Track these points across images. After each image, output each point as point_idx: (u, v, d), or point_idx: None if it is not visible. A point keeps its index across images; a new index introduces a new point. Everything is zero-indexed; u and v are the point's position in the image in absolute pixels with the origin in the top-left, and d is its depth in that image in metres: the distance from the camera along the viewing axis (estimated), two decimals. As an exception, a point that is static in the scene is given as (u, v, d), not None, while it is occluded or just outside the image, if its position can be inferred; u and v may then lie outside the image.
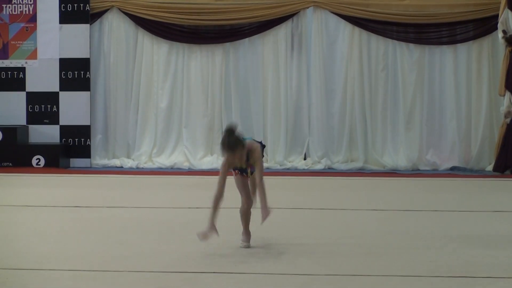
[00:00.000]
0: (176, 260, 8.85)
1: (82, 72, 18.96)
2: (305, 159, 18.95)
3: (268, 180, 16.52)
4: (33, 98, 19.00)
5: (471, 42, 18.63)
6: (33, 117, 19.06)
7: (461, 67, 18.68)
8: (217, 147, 18.87)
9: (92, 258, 9.07)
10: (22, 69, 19.01)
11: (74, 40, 18.95)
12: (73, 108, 18.97)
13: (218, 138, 18.89)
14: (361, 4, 18.80)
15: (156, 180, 17.06)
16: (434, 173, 18.14)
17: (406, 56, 18.78)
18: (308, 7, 18.81)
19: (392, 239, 10.32)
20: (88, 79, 18.99)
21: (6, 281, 7.98)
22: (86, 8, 18.90)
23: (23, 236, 10.53)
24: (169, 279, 7.97)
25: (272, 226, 11.23)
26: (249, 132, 18.87)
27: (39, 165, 18.48)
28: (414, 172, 18.27)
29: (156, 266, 8.44)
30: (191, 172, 18.18)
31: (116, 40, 19.23)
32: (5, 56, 19.03)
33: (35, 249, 9.67)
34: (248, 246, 9.57)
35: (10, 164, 18.43)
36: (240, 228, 9.75)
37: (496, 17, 17.60)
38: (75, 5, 18.88)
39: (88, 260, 8.94)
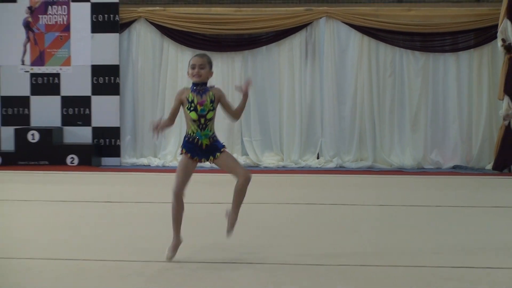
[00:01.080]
0: (199, 251, 8.95)
1: (112, 78, 19.04)
2: (318, 158, 19.00)
3: (284, 178, 16.64)
4: (67, 102, 19.09)
5: (472, 50, 18.64)
6: (68, 119, 19.15)
7: (463, 73, 18.70)
8: (237, 147, 19.04)
9: (121, 249, 9.15)
10: (57, 75, 19.10)
11: (105, 48, 19.04)
12: (104, 111, 19.07)
13: (238, 138, 19.04)
14: (371, 15, 18.82)
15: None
16: (438, 172, 18.15)
17: (412, 63, 18.80)
18: (321, 18, 18.86)
19: (398, 233, 10.36)
20: (118, 84, 19.07)
21: (42, 271, 8.05)
22: (116, 18, 18.98)
23: (57, 229, 10.60)
24: (193, 269, 8.02)
25: (287, 220, 11.31)
26: (266, 133, 19.02)
27: (73, 163, 18.57)
28: (419, 171, 18.30)
29: (181, 256, 8.48)
30: (212, 170, 18.16)
31: (143, 48, 19.33)
32: (42, 63, 19.13)
33: (68, 240, 9.74)
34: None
35: (47, 163, 18.54)
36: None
37: (495, 26, 17.61)
38: (106, 15, 18.97)
39: (117, 251, 9.02)
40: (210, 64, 8.53)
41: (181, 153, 8.49)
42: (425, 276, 7.86)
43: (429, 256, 8.80)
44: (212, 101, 8.38)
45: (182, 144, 8.51)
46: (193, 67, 8.38)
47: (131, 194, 14.19)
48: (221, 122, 18.86)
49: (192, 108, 8.31)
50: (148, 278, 7.74)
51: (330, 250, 9.19)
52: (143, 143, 19.41)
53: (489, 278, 7.75)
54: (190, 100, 8.31)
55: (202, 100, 8.32)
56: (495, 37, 17.63)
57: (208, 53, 18.56)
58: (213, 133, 8.49)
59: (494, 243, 9.66)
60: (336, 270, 8.11)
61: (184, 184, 8.54)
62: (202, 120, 8.35)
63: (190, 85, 8.47)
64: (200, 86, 8.39)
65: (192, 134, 8.39)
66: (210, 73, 8.51)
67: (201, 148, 8.41)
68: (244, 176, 8.42)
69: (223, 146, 8.55)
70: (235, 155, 18.76)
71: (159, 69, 19.31)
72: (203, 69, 8.38)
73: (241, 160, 18.72)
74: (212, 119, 8.44)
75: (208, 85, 8.52)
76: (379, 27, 18.77)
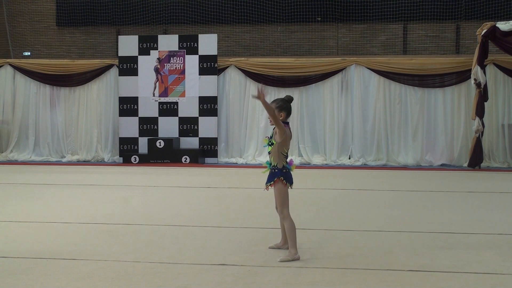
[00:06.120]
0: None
1: (212, 105, 19.23)
2: (349, 158, 19.00)
3: (326, 172, 16.65)
4: (183, 121, 19.31)
5: (454, 86, 18.54)
6: (183, 132, 19.33)
7: (447, 102, 18.60)
8: (295, 151, 19.06)
9: (218, 218, 9.33)
10: (176, 103, 19.34)
11: (208, 85, 19.23)
12: (206, 126, 19.24)
13: (296, 145, 19.07)
14: (385, 62, 18.84)
15: (257, 171, 17.21)
16: (430, 168, 18.09)
17: (412, 95, 18.74)
18: (351, 65, 18.89)
19: (403, 208, 10.43)
20: (216, 109, 19.25)
21: (165, 233, 8.16)
22: (215, 65, 19.20)
23: (175, 205, 10.78)
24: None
25: (329, 200, 11.38)
26: (314, 141, 19.09)
27: (186, 161, 18.71)
28: (418, 167, 18.25)
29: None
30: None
31: (233, 85, 19.47)
32: (166, 95, 19.39)
33: (181, 213, 9.87)
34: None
35: (168, 161, 18.72)
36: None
37: (470, 70, 17.52)
38: (209, 63, 19.18)
39: (207, 218, 9.21)
40: (278, 108, 6.88)
41: None
42: (422, 238, 7.96)
43: (424, 225, 8.89)
44: (270, 137, 6.94)
45: None
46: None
47: (224, 182, 14.36)
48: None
49: None
50: (237, 232, 7.93)
51: (359, 220, 9.31)
52: (233, 148, 19.54)
53: (465, 241, 7.83)
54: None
55: (267, 137, 7.03)
56: (470, 77, 17.55)
57: (274, 88, 19.00)
58: (274, 165, 6.88)
59: (468, 216, 9.72)
60: (361, 234, 8.23)
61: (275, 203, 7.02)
62: (268, 153, 7.00)
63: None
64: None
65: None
66: (278, 116, 6.82)
67: (268, 176, 6.94)
68: (279, 211, 6.98)
69: (274, 180, 6.86)
70: (293, 157, 18.90)
71: (243, 99, 19.45)
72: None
73: (297, 160, 18.79)
74: (270, 153, 6.91)
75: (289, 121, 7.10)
76: (390, 70, 18.76)
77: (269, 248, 7.23)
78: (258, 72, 19.23)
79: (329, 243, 7.60)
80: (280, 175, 6.86)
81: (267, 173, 7.00)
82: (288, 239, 6.83)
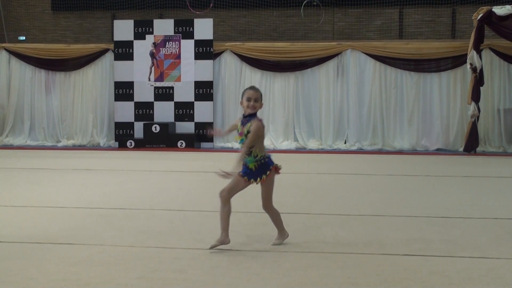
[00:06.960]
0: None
1: (208, 89, 19.22)
2: (345, 143, 19.03)
3: (322, 156, 16.63)
4: (178, 105, 19.30)
5: (450, 70, 18.58)
6: (178, 117, 19.35)
7: (443, 86, 18.64)
8: (291, 136, 19.10)
9: (214, 203, 9.28)
10: (172, 88, 19.33)
11: (203, 70, 19.22)
12: (202, 111, 19.25)
13: (291, 130, 19.11)
14: (381, 47, 18.83)
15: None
16: (426, 152, 18.11)
17: (408, 79, 18.76)
18: (347, 49, 18.89)
19: (399, 192, 10.42)
20: (212, 94, 19.24)
21: (161, 217, 8.13)
22: (211, 50, 19.17)
23: (170, 189, 10.78)
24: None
25: (324, 184, 11.37)
26: (310, 126, 19.08)
27: (182, 146, 18.73)
28: (413, 152, 18.26)
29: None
30: (274, 151, 18.26)
31: (228, 70, 19.47)
32: (161, 79, 19.37)
33: (178, 197, 9.89)
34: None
35: (164, 146, 18.74)
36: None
37: (465, 55, 17.53)
38: (204, 48, 19.16)
39: (203, 203, 9.17)
40: (261, 97, 6.47)
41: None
42: (418, 223, 7.96)
43: (420, 209, 8.89)
44: (248, 132, 6.30)
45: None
46: (248, 99, 6.33)
47: (220, 167, 14.32)
48: (280, 119, 19.04)
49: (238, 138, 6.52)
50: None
51: (354, 204, 9.30)
52: (228, 132, 19.55)
53: (461, 225, 7.84)
54: (238, 130, 6.46)
55: (241, 131, 6.39)
56: (465, 62, 17.55)
57: (270, 73, 18.98)
58: (262, 155, 6.44)
59: (463, 201, 9.72)
60: (357, 218, 8.23)
61: (231, 191, 6.67)
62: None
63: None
64: (246, 118, 6.40)
65: (245, 158, 6.46)
66: (261, 105, 6.42)
67: (252, 171, 6.48)
68: (264, 207, 6.64)
69: (269, 170, 6.45)
70: (289, 142, 18.92)
71: (239, 83, 19.44)
72: (257, 102, 6.35)
73: (293, 145, 18.85)
74: (253, 146, 6.37)
75: (258, 114, 6.47)
76: (386, 55, 18.75)
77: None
78: (253, 56, 19.20)
79: (325, 228, 7.59)
80: (273, 163, 6.54)
81: (252, 167, 6.53)
82: (276, 225, 6.75)
